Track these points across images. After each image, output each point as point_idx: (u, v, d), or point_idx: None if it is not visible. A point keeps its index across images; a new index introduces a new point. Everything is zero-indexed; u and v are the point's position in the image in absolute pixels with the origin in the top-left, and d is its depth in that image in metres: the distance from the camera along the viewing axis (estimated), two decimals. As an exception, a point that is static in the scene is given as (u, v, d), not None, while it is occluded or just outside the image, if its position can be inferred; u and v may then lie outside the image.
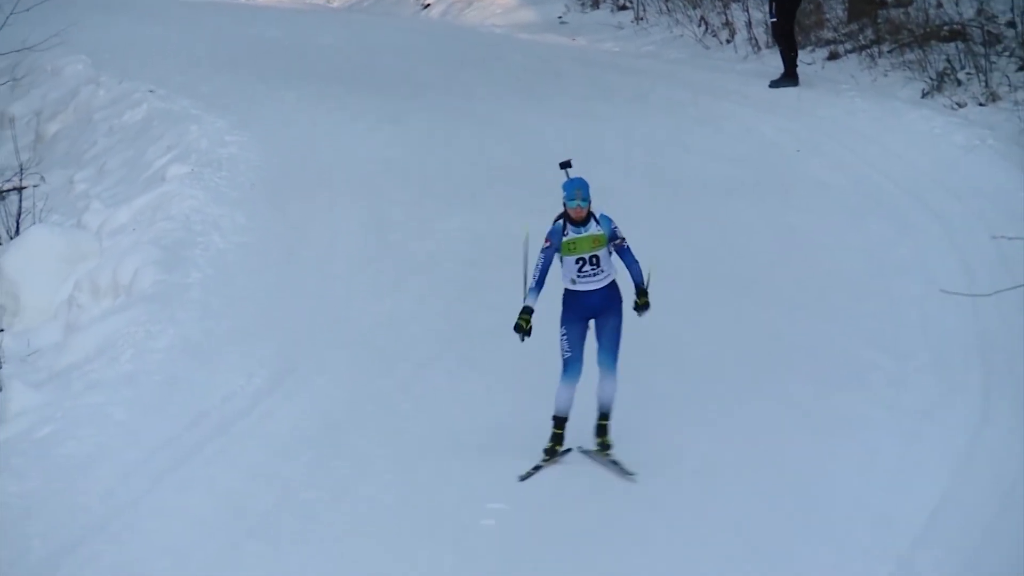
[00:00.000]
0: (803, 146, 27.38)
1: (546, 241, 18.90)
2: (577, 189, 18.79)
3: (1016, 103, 28.89)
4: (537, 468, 18.92)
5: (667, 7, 39.33)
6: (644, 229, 22.31)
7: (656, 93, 30.86)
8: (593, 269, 18.83)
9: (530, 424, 19.12)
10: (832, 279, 22.65)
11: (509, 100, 32.33)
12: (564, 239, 18.82)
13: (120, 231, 23.74)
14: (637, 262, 19.04)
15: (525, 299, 18.91)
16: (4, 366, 22.01)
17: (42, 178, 26.22)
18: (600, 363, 18.91)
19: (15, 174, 26.05)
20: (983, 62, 30.11)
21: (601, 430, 19.11)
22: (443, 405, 20.35)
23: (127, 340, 21.72)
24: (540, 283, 18.92)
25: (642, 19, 40.05)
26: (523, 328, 18.78)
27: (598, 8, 42.15)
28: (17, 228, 24.96)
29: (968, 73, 30.13)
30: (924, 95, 29.84)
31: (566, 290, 19.00)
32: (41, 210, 25.29)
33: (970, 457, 19.08)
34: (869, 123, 28.45)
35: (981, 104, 29.24)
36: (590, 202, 18.77)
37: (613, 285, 18.98)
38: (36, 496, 18.91)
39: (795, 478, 18.53)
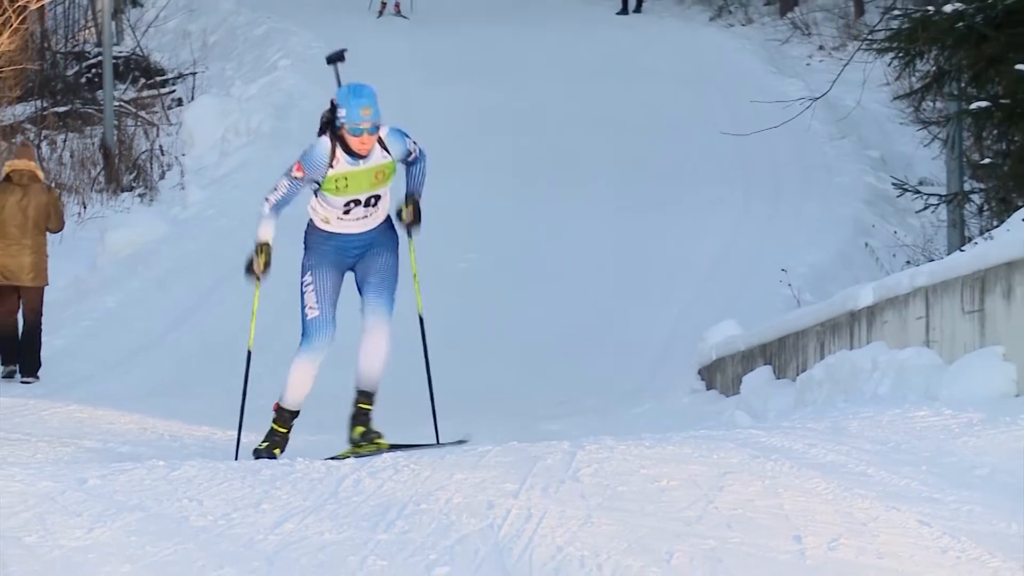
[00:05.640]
0: (639, 46, 26.66)
1: (298, 169, 8.37)
2: (366, 106, 8.24)
3: (763, 24, 28.56)
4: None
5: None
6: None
7: (554, 21, 29.39)
8: (366, 211, 8.40)
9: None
10: (667, 128, 22.09)
11: None
12: (330, 172, 8.27)
13: (250, 98, 23.49)
14: (424, 169, 8.60)
15: (257, 235, 8.50)
16: (186, 175, 21.72)
17: (206, 67, 25.82)
18: (368, 308, 8.40)
19: (192, 64, 25.72)
20: (744, 0, 29.74)
21: (360, 418, 8.39)
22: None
23: (255, 161, 21.45)
24: (277, 210, 8.51)
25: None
26: (262, 265, 8.46)
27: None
28: (192, 96, 24.66)
29: (734, 6, 29.67)
30: (711, 19, 29.38)
31: (312, 225, 8.56)
32: (206, 86, 24.98)
33: (736, 232, 18.83)
34: (677, 34, 27.80)
35: (743, 24, 28.88)
36: (381, 125, 8.28)
37: (387, 222, 8.54)
38: (205, 252, 18.91)
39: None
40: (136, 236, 19.24)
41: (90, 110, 24.13)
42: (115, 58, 24.18)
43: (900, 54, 14.60)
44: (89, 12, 26.79)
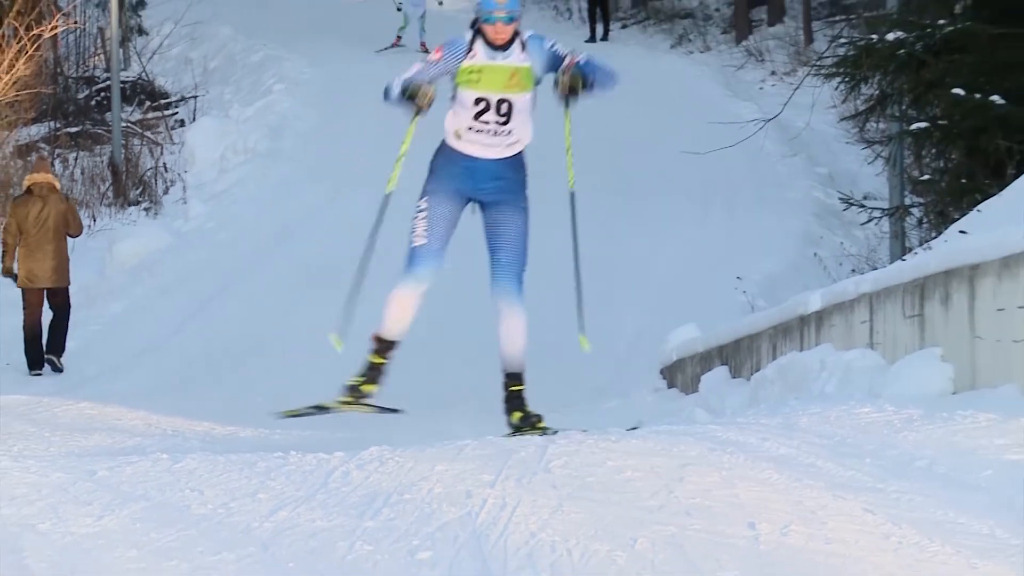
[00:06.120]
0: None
1: (436, 52, 7.54)
2: None
3: (720, 51, 28.64)
4: (321, 409, 7.79)
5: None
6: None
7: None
8: (498, 122, 7.50)
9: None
10: (633, 146, 22.00)
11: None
12: (465, 63, 7.48)
13: (247, 120, 23.43)
14: (603, 67, 7.93)
15: (406, 79, 7.50)
16: (188, 190, 21.64)
17: (207, 91, 25.76)
18: (498, 288, 7.72)
19: (193, 88, 25.67)
20: (702, 29, 29.81)
21: (514, 401, 7.69)
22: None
23: (252, 177, 21.46)
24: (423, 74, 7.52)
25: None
26: (430, 95, 7.45)
27: None
28: (194, 117, 24.58)
29: (693, 35, 29.76)
30: (672, 47, 29.45)
31: (444, 145, 7.66)
32: (207, 108, 24.91)
33: (695, 243, 18.81)
34: (641, 60, 27.81)
35: (701, 52, 28.96)
36: (518, 18, 7.49)
37: (519, 160, 7.76)
38: (205, 262, 18.86)
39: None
40: (141, 247, 19.20)
41: (99, 130, 24.09)
42: (122, 83, 24.13)
43: (846, 79, 14.67)
44: (99, 40, 26.73)
